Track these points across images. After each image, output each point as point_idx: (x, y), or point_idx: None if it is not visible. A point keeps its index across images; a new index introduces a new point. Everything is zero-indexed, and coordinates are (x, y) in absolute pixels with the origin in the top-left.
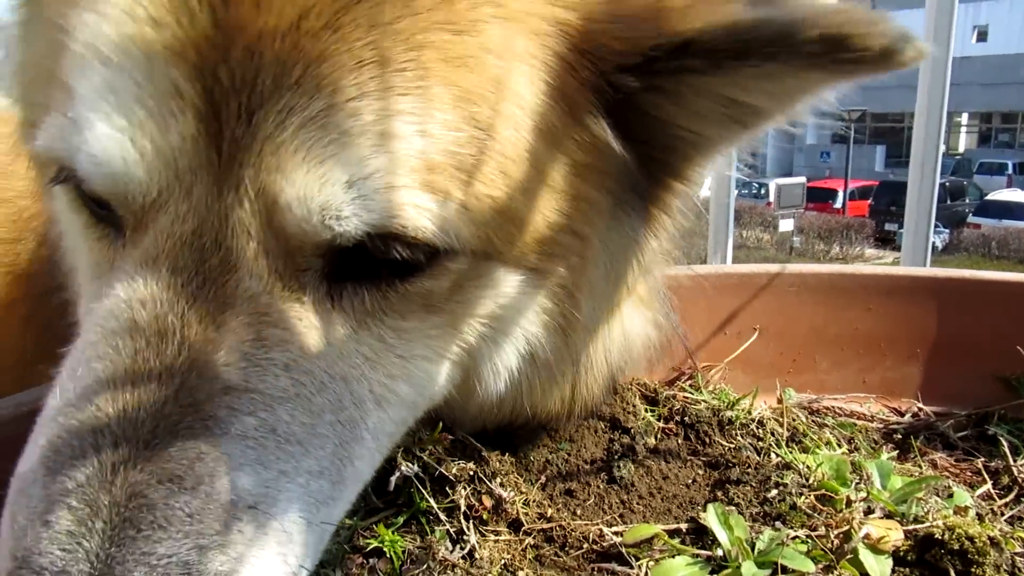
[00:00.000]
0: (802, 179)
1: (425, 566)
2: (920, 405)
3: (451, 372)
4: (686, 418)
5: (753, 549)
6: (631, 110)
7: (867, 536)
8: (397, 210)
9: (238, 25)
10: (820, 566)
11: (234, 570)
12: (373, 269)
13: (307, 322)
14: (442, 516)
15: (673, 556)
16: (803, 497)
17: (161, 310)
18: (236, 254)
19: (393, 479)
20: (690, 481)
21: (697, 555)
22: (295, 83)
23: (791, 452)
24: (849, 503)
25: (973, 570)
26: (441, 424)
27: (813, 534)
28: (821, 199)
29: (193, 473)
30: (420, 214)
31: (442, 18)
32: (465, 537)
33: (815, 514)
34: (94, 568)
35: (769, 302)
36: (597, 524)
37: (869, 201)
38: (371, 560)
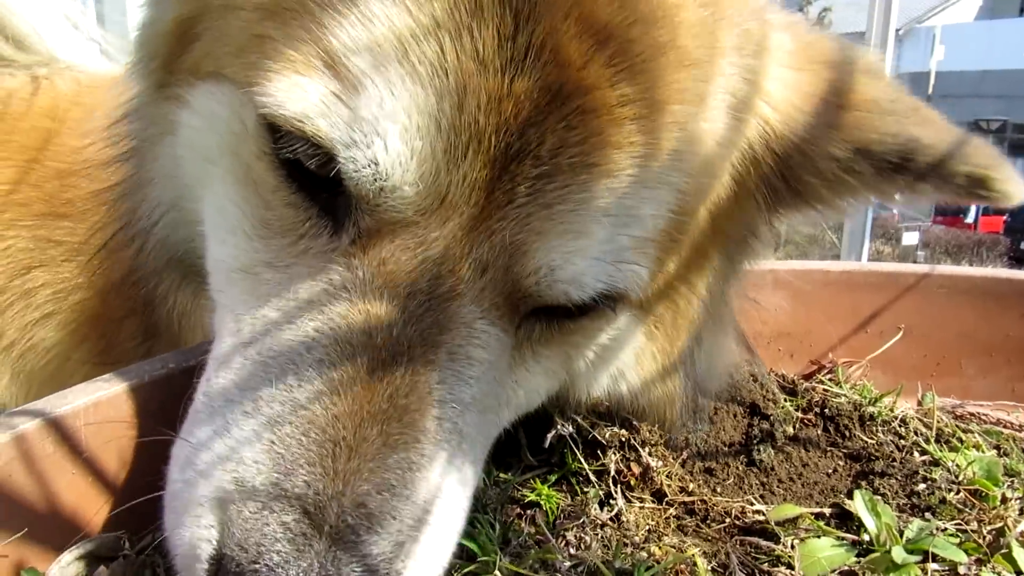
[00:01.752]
0: None
1: (580, 521)
2: None
3: (553, 384)
4: (826, 410)
5: (901, 537)
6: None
7: (1022, 533)
8: (623, 281)
9: (555, 95)
10: (972, 559)
11: (417, 557)
12: (557, 312)
13: (503, 344)
14: (592, 478)
15: (818, 537)
16: (953, 493)
17: (396, 331)
18: (465, 285)
19: (549, 436)
20: (831, 470)
21: (843, 538)
22: (590, 163)
23: (940, 451)
24: (1004, 500)
25: None
26: None
27: (965, 528)
28: (951, 212)
29: (403, 482)
30: (635, 282)
31: (691, 112)
32: (613, 501)
33: (966, 509)
34: (322, 568)
35: (915, 303)
36: (739, 501)
37: (1004, 217)
38: (528, 511)
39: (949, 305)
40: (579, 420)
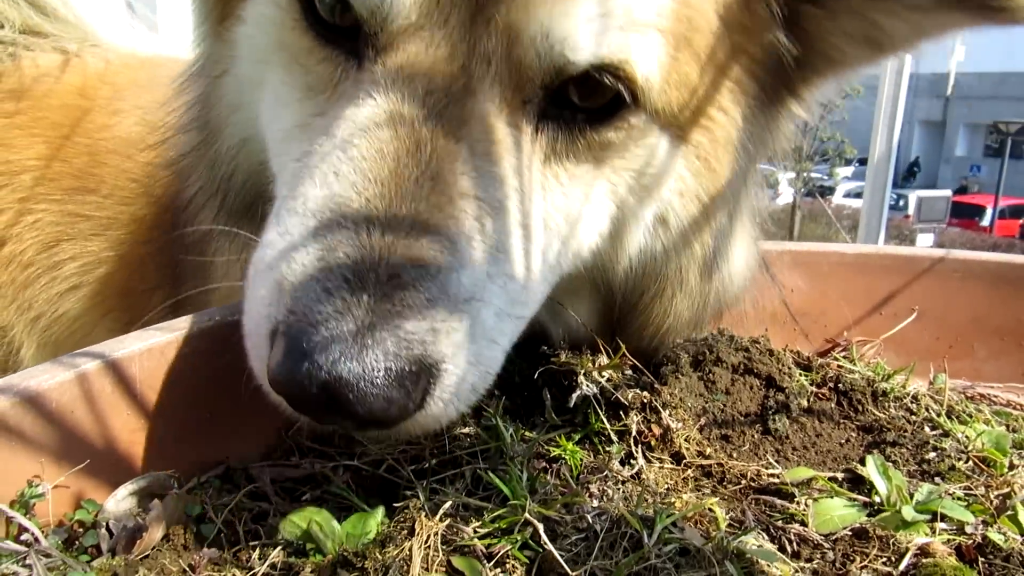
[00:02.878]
0: (947, 192)
1: (603, 475)
2: None
3: (600, 223)
4: (839, 385)
5: (911, 499)
6: (791, 21)
7: None
8: (619, 48)
9: None
10: (979, 519)
11: (455, 353)
12: (571, 113)
13: (521, 144)
14: (614, 438)
15: (831, 497)
16: (962, 461)
17: (419, 121)
18: (476, 80)
19: (574, 397)
20: (844, 440)
21: (854, 499)
22: None
23: (950, 423)
24: (1012, 467)
25: None
26: (623, 349)
27: (973, 492)
28: (967, 215)
29: (435, 262)
30: (644, 57)
31: None
32: (633, 460)
33: (975, 475)
34: (360, 326)
35: (929, 286)
36: (754, 465)
37: (1021, 221)
38: (553, 465)
39: (963, 289)
40: (603, 382)
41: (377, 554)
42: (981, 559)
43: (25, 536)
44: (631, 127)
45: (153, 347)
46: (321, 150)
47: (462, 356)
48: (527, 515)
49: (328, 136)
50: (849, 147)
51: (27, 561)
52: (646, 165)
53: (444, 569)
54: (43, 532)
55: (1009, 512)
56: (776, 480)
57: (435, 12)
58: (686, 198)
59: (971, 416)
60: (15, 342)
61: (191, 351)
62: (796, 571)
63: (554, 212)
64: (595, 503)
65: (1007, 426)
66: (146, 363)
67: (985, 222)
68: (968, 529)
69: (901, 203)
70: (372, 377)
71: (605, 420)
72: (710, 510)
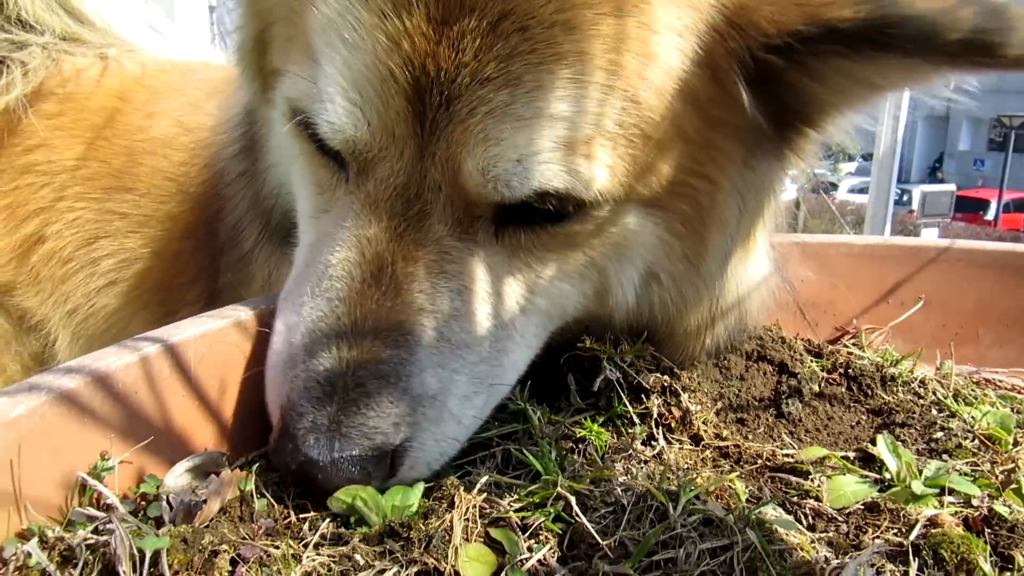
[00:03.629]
0: (951, 187)
1: (627, 454)
2: None
3: (582, 288)
4: (849, 371)
5: (920, 475)
6: (770, 78)
7: None
8: (553, 178)
9: (445, 22)
10: (984, 493)
11: (414, 440)
12: (530, 216)
13: (477, 257)
14: (636, 420)
15: (844, 474)
16: (968, 440)
17: (380, 247)
18: (430, 205)
19: (598, 381)
20: (855, 423)
21: (866, 476)
22: (486, 79)
23: (956, 405)
24: (1016, 444)
25: None
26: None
27: (979, 468)
28: (971, 209)
29: (396, 373)
30: (571, 180)
31: (611, 7)
32: (655, 441)
33: (980, 452)
34: (330, 423)
35: (935, 275)
36: (769, 446)
37: None
38: (579, 445)
39: (968, 277)
40: (625, 367)
41: (420, 525)
42: (987, 530)
43: (103, 523)
44: (596, 217)
45: (207, 332)
46: (317, 258)
47: (427, 436)
48: (559, 489)
49: (324, 244)
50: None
51: (107, 526)
52: (622, 240)
53: (482, 539)
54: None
55: (1013, 486)
56: (791, 459)
57: (391, 146)
58: (673, 258)
59: (977, 399)
60: (51, 335)
61: (240, 337)
62: (812, 541)
63: (528, 293)
64: (621, 479)
65: (1012, 408)
66: (200, 348)
67: (989, 216)
68: (975, 502)
69: (905, 198)
70: (337, 461)
71: (627, 403)
72: (730, 485)
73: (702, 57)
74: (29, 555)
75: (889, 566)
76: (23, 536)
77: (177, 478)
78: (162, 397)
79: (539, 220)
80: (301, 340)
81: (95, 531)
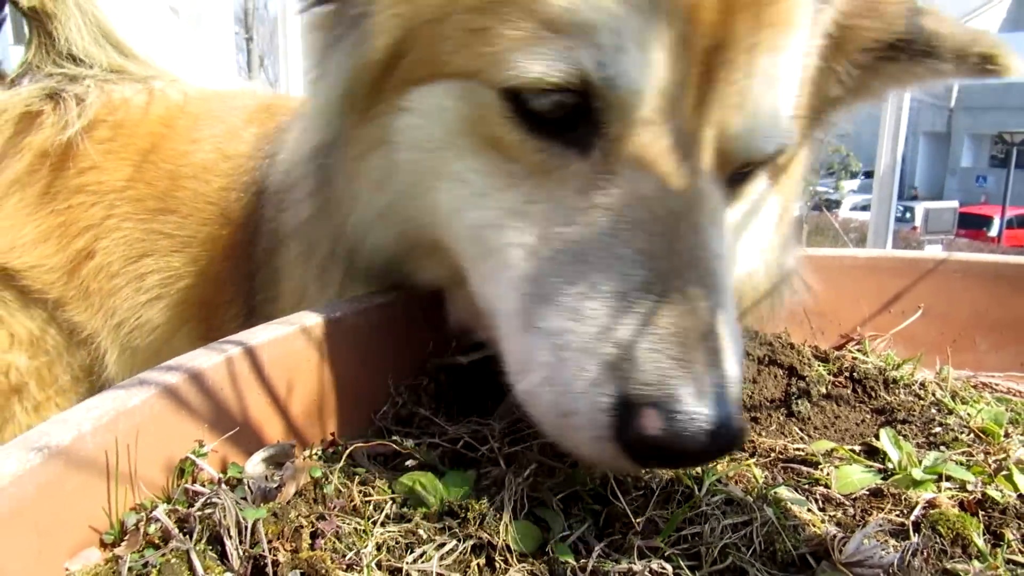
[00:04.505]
0: (954, 203)
1: None
2: None
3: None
4: (854, 374)
5: (920, 464)
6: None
7: (1019, 460)
8: (791, 135)
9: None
10: (978, 479)
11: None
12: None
13: (727, 208)
14: None
15: (850, 464)
16: (964, 434)
17: (671, 200)
18: (698, 161)
19: None
20: (859, 420)
21: (871, 465)
22: (755, 44)
23: (953, 404)
24: (1008, 435)
25: None
26: None
27: (973, 457)
28: (974, 226)
29: (723, 321)
30: (792, 133)
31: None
32: None
33: (975, 444)
34: (708, 390)
35: (934, 285)
36: (781, 441)
37: None
38: None
39: (964, 287)
40: None
41: (475, 504)
42: (981, 512)
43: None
44: (761, 177)
45: (277, 338)
46: (572, 235)
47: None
48: (597, 475)
49: (570, 221)
50: (854, 160)
51: (213, 499)
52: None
53: (530, 519)
54: (210, 484)
55: (1004, 473)
56: (801, 452)
57: (667, 109)
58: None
59: (973, 400)
60: (101, 348)
61: (306, 341)
62: (823, 520)
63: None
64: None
65: (1007, 408)
66: (272, 351)
67: (993, 232)
68: (969, 487)
69: (908, 215)
70: (730, 415)
71: None
72: (748, 471)
73: (828, 42)
74: (150, 522)
75: (892, 541)
76: (136, 511)
77: (255, 466)
78: (242, 394)
79: (744, 179)
80: (615, 311)
81: (203, 505)
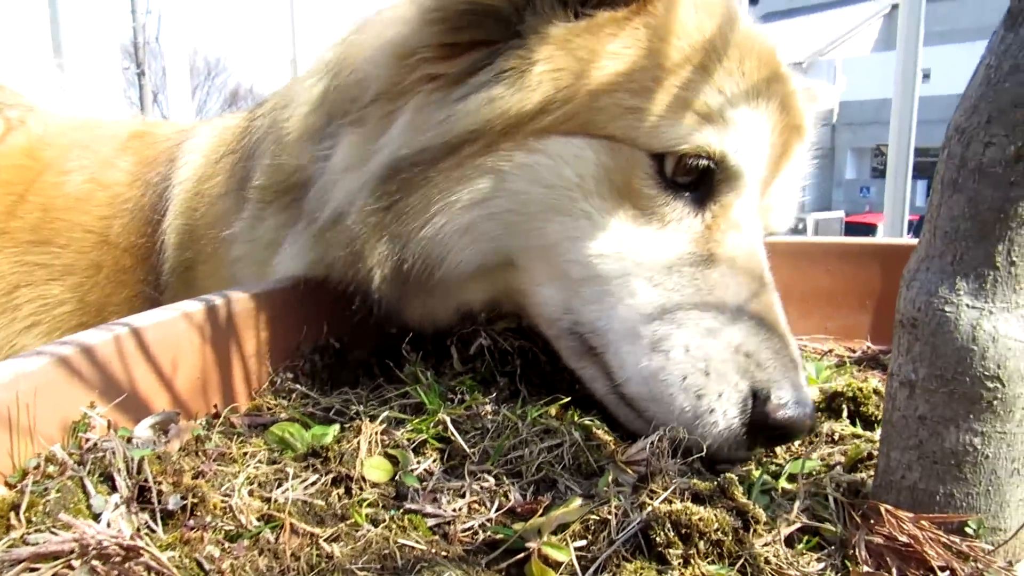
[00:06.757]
0: (840, 213)
1: (493, 396)
2: (869, 344)
3: None
4: None
5: None
6: None
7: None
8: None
9: (800, 113)
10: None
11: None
12: None
13: None
14: (499, 379)
15: None
16: None
17: (754, 261)
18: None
19: (473, 347)
20: None
21: None
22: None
23: None
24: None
25: (861, 409)
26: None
27: None
28: (860, 233)
29: (787, 342)
30: None
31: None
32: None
33: None
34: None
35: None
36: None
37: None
38: (457, 396)
39: (773, 266)
40: (495, 336)
41: (335, 446)
42: None
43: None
44: None
45: (161, 321)
46: (688, 274)
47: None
48: (440, 415)
49: (684, 264)
50: None
51: (105, 443)
52: None
53: (383, 456)
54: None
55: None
56: None
57: (757, 176)
58: None
59: None
60: None
61: (188, 326)
62: (616, 439)
63: None
64: (487, 408)
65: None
66: (156, 333)
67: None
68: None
69: (800, 226)
70: (813, 409)
71: (495, 364)
72: (563, 407)
73: None
74: (49, 462)
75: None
76: (36, 457)
77: (143, 430)
78: (129, 368)
79: None
80: (731, 338)
81: (95, 447)
